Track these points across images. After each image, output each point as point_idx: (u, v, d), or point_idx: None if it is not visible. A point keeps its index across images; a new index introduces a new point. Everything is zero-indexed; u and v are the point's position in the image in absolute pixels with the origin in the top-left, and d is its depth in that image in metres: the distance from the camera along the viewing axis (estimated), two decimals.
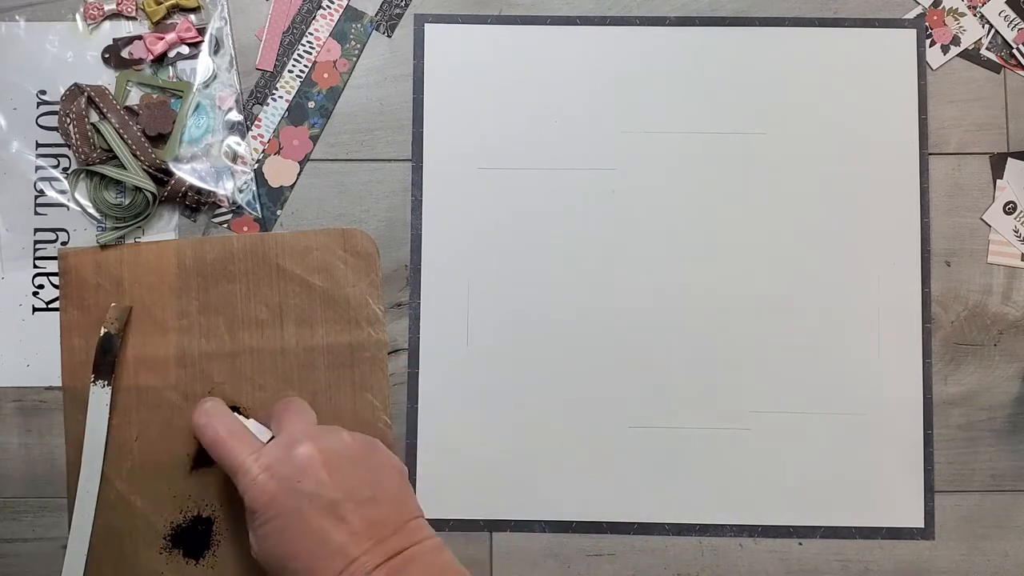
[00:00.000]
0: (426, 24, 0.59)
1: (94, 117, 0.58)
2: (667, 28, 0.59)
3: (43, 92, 0.59)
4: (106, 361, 0.57)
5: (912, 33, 0.59)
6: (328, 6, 0.59)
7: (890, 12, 0.59)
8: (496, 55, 0.59)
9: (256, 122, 0.59)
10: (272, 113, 0.59)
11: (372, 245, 0.58)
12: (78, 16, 0.59)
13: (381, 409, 0.58)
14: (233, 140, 0.58)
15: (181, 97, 0.58)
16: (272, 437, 0.50)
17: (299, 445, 0.47)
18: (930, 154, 0.59)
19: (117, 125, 0.57)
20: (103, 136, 0.57)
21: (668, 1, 0.59)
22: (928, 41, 0.59)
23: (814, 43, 0.59)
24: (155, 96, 0.58)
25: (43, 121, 0.59)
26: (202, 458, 0.57)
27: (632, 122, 0.59)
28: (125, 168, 0.57)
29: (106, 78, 0.58)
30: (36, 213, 0.59)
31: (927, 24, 0.59)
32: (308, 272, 0.58)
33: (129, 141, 0.57)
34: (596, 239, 0.58)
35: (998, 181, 0.59)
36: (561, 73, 0.59)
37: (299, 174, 0.59)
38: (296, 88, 0.59)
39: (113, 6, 0.59)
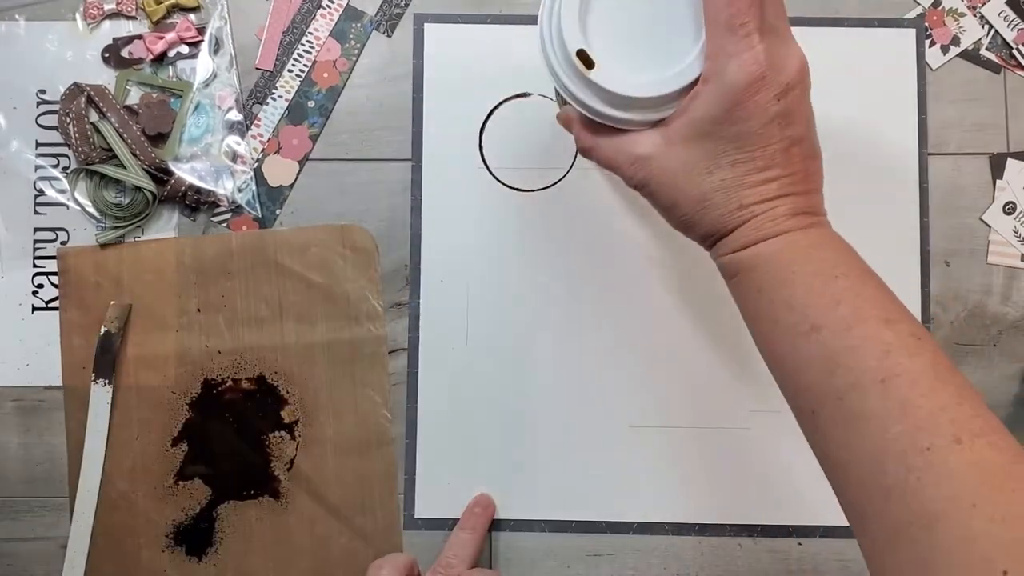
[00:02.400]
0: (425, 24, 0.59)
1: (94, 116, 0.58)
2: None
3: (43, 91, 0.59)
4: (106, 360, 0.57)
5: (911, 33, 0.59)
6: (328, 6, 0.59)
7: (890, 12, 0.59)
8: (496, 55, 0.59)
9: (256, 121, 0.59)
10: (272, 113, 0.59)
11: (371, 241, 0.58)
12: (78, 15, 0.59)
13: (382, 404, 0.58)
14: (233, 139, 0.58)
15: (181, 96, 0.58)
16: None
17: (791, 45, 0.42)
18: (930, 154, 0.59)
19: (117, 124, 0.57)
20: (103, 135, 0.57)
21: None
22: (928, 42, 0.59)
23: (814, 43, 0.59)
24: (155, 95, 0.58)
25: (43, 120, 0.59)
26: (185, 473, 0.57)
27: None
28: (125, 167, 0.57)
29: (106, 77, 0.58)
30: (36, 212, 0.59)
31: (927, 24, 0.59)
32: (307, 268, 0.58)
33: (129, 140, 0.57)
34: (596, 238, 0.58)
35: (998, 181, 0.59)
36: None
37: (298, 173, 0.59)
38: (296, 88, 0.59)
39: (113, 5, 0.58)
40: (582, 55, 0.41)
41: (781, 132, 0.40)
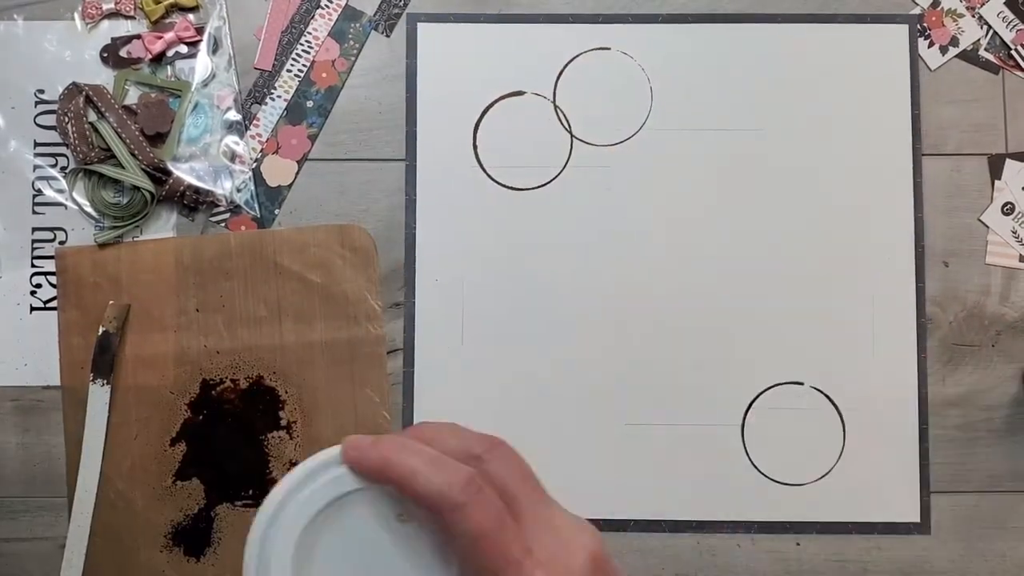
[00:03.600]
0: (418, 24, 0.59)
1: (92, 116, 0.58)
2: (661, 26, 0.59)
3: (41, 91, 0.59)
4: (105, 360, 0.57)
5: (904, 28, 0.59)
6: (327, 5, 0.59)
7: (889, 12, 0.59)
8: (489, 54, 0.59)
9: (254, 121, 0.59)
10: (270, 112, 0.59)
11: (370, 241, 0.58)
12: (76, 15, 0.59)
13: (380, 404, 0.58)
14: (231, 139, 0.58)
15: (179, 96, 0.58)
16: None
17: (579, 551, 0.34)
18: (929, 155, 0.59)
19: (115, 124, 0.57)
20: (101, 135, 0.57)
21: None
22: (927, 42, 0.59)
23: (809, 40, 0.59)
24: (153, 95, 0.58)
25: (41, 120, 0.59)
26: (183, 473, 0.57)
27: (626, 119, 0.59)
28: (123, 167, 0.57)
29: (104, 77, 0.59)
30: (34, 212, 0.59)
31: (926, 25, 0.59)
32: (306, 268, 0.58)
33: (127, 140, 0.57)
34: (591, 237, 0.58)
35: (996, 182, 0.59)
36: (553, 71, 0.59)
37: (297, 173, 0.59)
38: (294, 87, 0.59)
39: (111, 5, 0.59)
40: None
41: None
